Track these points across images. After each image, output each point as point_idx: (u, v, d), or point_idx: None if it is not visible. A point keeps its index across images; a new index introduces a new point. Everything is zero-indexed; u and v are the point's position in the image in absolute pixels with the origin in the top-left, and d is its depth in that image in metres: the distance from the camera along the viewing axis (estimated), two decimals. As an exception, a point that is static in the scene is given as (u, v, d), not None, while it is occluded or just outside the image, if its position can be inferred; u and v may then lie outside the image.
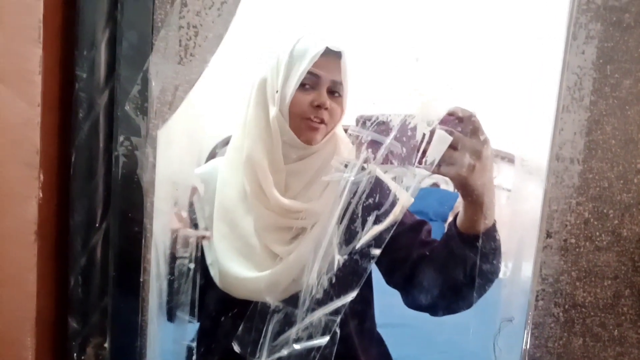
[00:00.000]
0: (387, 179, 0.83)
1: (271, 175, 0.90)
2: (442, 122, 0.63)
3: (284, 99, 0.89)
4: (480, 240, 0.75)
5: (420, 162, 0.60)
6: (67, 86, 0.60)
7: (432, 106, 0.59)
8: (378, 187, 0.73)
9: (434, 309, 0.92)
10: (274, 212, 0.89)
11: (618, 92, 0.52)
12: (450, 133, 0.62)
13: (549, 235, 0.53)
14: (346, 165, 0.66)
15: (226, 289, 0.88)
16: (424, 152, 0.60)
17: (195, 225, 0.84)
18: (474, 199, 0.71)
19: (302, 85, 0.88)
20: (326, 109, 0.88)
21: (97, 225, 0.60)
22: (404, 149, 0.60)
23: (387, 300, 1.06)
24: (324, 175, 0.90)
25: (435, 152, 0.60)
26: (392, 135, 0.60)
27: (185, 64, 0.56)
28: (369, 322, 1.06)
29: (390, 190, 0.71)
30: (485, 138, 0.66)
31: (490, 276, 0.78)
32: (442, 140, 0.59)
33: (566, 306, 0.54)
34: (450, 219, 0.81)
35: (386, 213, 0.69)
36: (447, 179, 0.69)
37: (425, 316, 0.96)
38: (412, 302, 0.95)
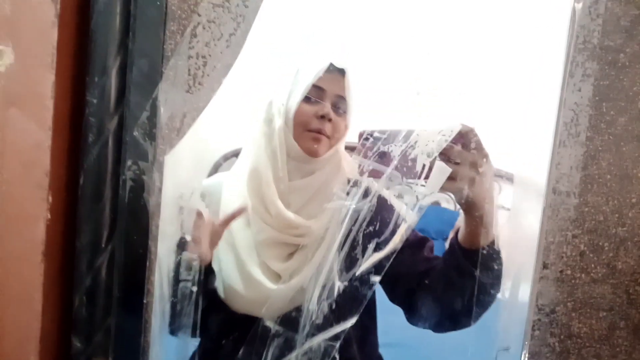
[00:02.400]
0: (393, 199, 0.85)
1: (275, 188, 0.92)
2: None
3: (289, 111, 0.91)
4: (482, 255, 0.76)
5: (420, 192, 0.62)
6: (78, 111, 0.62)
7: (431, 137, 0.61)
8: (379, 215, 0.74)
9: (436, 326, 0.93)
10: (273, 227, 0.91)
11: (613, 129, 0.53)
12: (450, 148, 0.64)
13: (545, 266, 0.54)
14: (348, 193, 0.67)
15: (228, 302, 0.90)
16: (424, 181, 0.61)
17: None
18: (476, 213, 0.72)
19: (307, 99, 0.90)
20: (330, 120, 0.90)
21: (102, 246, 0.61)
22: (404, 179, 0.62)
23: (387, 319, 1.06)
24: (325, 194, 0.92)
25: (435, 183, 0.61)
26: (392, 165, 0.61)
27: (194, 93, 0.58)
28: (371, 346, 1.06)
29: (391, 219, 0.72)
30: (485, 152, 0.68)
31: (492, 291, 0.78)
32: (441, 172, 0.61)
33: (562, 336, 0.55)
34: (451, 235, 0.82)
35: (386, 241, 0.70)
36: (447, 197, 0.71)
37: (424, 337, 0.96)
38: (414, 319, 0.96)
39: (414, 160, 0.61)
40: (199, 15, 0.58)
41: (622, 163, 0.53)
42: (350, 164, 0.97)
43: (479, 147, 0.67)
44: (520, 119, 0.58)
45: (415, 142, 0.61)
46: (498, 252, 0.76)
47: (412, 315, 0.96)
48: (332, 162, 0.96)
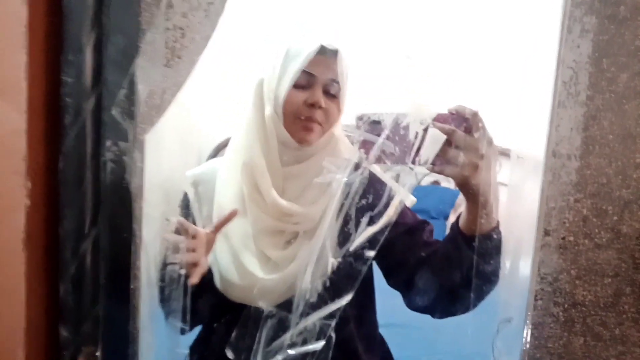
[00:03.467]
0: (389, 180, 0.82)
1: (269, 176, 0.89)
2: (444, 120, 0.61)
3: (278, 98, 0.88)
4: (483, 242, 0.74)
5: (413, 162, 0.59)
6: (54, 92, 0.59)
7: (424, 105, 0.58)
8: (372, 188, 0.72)
9: (434, 311, 0.91)
10: (270, 215, 0.88)
11: (615, 87, 0.50)
12: (453, 132, 0.61)
13: (547, 233, 0.52)
14: (338, 166, 0.65)
15: (224, 291, 0.87)
16: (418, 150, 0.59)
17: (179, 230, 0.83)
18: (477, 199, 0.69)
19: (298, 85, 0.87)
20: (320, 107, 0.87)
21: (86, 232, 0.59)
22: (397, 149, 0.59)
23: (390, 301, 1.05)
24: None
25: (429, 151, 0.58)
26: (384, 134, 0.59)
27: (173, 67, 0.55)
28: (371, 325, 1.05)
29: (384, 191, 0.70)
30: (488, 137, 0.65)
31: (492, 278, 0.76)
32: (435, 139, 0.58)
33: (566, 305, 0.53)
34: (452, 218, 0.80)
35: (380, 214, 0.68)
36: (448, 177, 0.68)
37: (427, 317, 0.95)
38: (413, 304, 0.94)
39: (406, 128, 0.59)
40: (175, -16, 0.55)
41: (625, 122, 0.51)
42: (348, 148, 0.95)
43: (483, 131, 0.64)
44: (516, 84, 0.55)
45: (408, 111, 0.58)
46: (500, 239, 0.74)
47: (411, 300, 0.94)
48: (328, 147, 0.93)
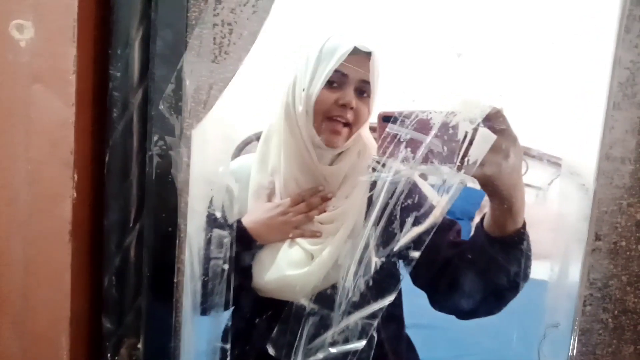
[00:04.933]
0: (421, 182, 0.82)
1: (301, 176, 0.90)
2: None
3: (310, 97, 0.88)
4: (508, 243, 0.73)
5: (462, 162, 0.58)
6: (102, 85, 0.60)
7: (475, 104, 0.57)
8: (417, 188, 0.71)
9: (460, 312, 0.90)
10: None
11: (673, 88, 0.49)
12: (475, 131, 0.60)
13: (598, 238, 0.51)
14: (384, 165, 0.64)
15: (257, 288, 0.88)
16: (466, 151, 0.58)
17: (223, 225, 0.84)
18: (502, 201, 0.68)
19: (330, 84, 0.87)
20: (352, 108, 0.87)
21: (131, 225, 0.59)
22: (445, 148, 0.58)
23: (416, 301, 1.04)
24: (355, 176, 0.89)
25: (478, 151, 0.57)
26: (432, 133, 0.58)
27: (220, 62, 0.55)
28: (399, 324, 1.05)
29: (426, 193, 0.69)
30: (514, 136, 0.63)
31: (518, 280, 0.75)
32: (486, 139, 0.57)
33: (616, 312, 0.51)
34: (477, 219, 0.79)
35: (426, 214, 0.67)
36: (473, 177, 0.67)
37: (454, 318, 0.94)
38: (438, 304, 0.94)
39: (455, 127, 0.58)
40: (224, -20, 0.55)
41: (683, 125, 0.49)
42: (373, 146, 0.94)
43: (508, 130, 0.63)
44: (569, 86, 0.54)
45: (457, 110, 0.57)
46: (526, 240, 0.72)
47: (436, 301, 0.93)
48: (355, 146, 0.93)
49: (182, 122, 0.56)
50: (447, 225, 0.93)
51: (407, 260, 0.68)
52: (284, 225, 0.89)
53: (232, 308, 0.92)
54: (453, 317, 0.93)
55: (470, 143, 0.58)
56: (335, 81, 0.87)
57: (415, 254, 0.68)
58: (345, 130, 0.89)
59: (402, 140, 0.60)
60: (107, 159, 0.59)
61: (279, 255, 0.89)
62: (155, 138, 0.57)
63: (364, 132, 0.94)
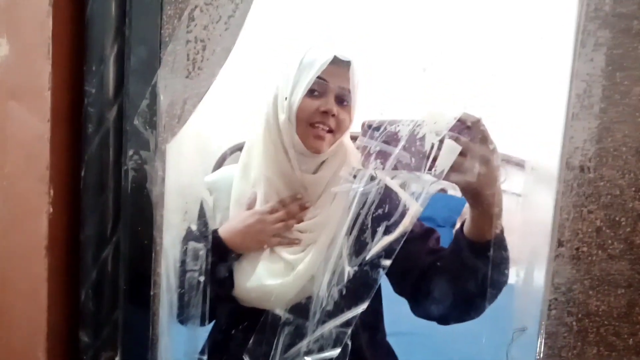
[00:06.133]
0: (397, 187, 0.83)
1: (282, 185, 0.91)
2: (451, 128, 0.62)
3: (292, 105, 0.89)
4: (486, 248, 0.74)
5: (429, 171, 0.60)
6: (77, 101, 0.61)
7: (440, 115, 0.59)
8: (387, 198, 0.73)
9: (441, 318, 0.92)
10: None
11: (628, 99, 0.51)
12: (457, 139, 0.62)
13: (560, 244, 0.53)
14: (355, 176, 0.66)
15: (237, 296, 0.89)
16: (434, 161, 0.60)
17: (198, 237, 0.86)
18: (482, 207, 0.70)
19: (311, 92, 0.89)
20: (333, 115, 0.89)
21: (107, 238, 0.60)
22: (413, 159, 0.60)
23: (396, 309, 1.05)
24: (335, 184, 0.91)
25: (445, 161, 0.59)
26: (400, 145, 0.60)
27: (194, 78, 0.57)
28: (379, 333, 1.06)
29: (399, 201, 0.71)
30: (493, 145, 0.66)
31: (498, 285, 0.77)
32: (451, 150, 0.59)
33: (579, 315, 0.53)
34: (457, 225, 0.81)
35: (396, 223, 0.69)
36: (454, 184, 0.69)
37: (435, 324, 0.95)
38: (419, 311, 0.95)
39: (422, 139, 0.60)
40: (196, -2, 0.56)
41: (638, 134, 0.51)
42: (356, 156, 0.96)
43: (486, 139, 0.65)
44: (530, 97, 0.56)
45: (423, 121, 0.59)
46: (505, 245, 0.74)
47: (417, 307, 0.95)
48: (338, 153, 0.95)
49: (157, 137, 0.57)
50: (426, 234, 0.95)
51: (379, 268, 0.69)
52: (260, 234, 0.89)
53: (213, 322, 0.93)
54: (434, 323, 0.95)
55: (437, 153, 0.60)
56: (317, 89, 0.89)
57: (387, 262, 0.69)
58: (328, 136, 0.90)
59: (372, 152, 0.62)
60: (82, 173, 0.60)
61: (260, 264, 0.90)
62: (130, 152, 0.58)
63: (347, 141, 0.96)
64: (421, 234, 0.94)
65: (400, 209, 0.71)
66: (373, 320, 1.02)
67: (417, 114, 0.60)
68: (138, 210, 0.58)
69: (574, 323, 0.53)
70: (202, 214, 0.89)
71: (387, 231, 0.69)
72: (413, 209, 0.68)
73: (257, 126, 0.96)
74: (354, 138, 0.92)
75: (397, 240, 0.69)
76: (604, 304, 0.53)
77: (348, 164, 0.95)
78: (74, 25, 0.60)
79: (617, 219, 0.52)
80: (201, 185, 0.61)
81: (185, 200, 0.59)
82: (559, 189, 0.52)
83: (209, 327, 0.91)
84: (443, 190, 3.29)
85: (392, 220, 0.71)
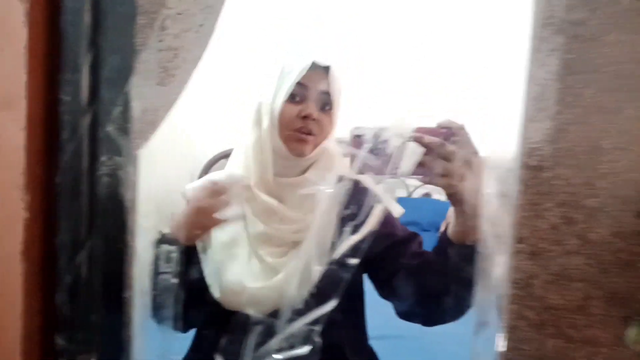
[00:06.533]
0: (381, 192, 0.86)
1: (264, 187, 0.93)
2: (430, 133, 0.65)
3: (274, 111, 0.92)
4: (471, 250, 0.77)
5: (393, 174, 0.62)
6: (52, 109, 0.62)
7: (403, 120, 0.61)
8: (354, 199, 0.75)
9: (425, 319, 0.94)
10: (266, 222, 0.92)
11: (581, 102, 0.54)
12: (441, 145, 0.64)
13: (519, 240, 0.55)
14: (323, 178, 0.68)
15: (223, 300, 0.90)
16: (397, 164, 0.62)
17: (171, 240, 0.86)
18: (465, 210, 0.73)
19: (292, 98, 0.91)
20: (314, 119, 0.91)
21: (82, 243, 0.61)
22: (378, 162, 0.62)
23: (382, 312, 1.07)
24: (323, 190, 0.93)
25: (408, 163, 0.62)
26: (365, 148, 0.62)
27: (166, 85, 0.58)
28: (360, 333, 1.07)
29: (365, 202, 0.73)
30: (475, 149, 0.69)
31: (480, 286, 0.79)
32: (413, 152, 0.61)
33: (538, 309, 0.55)
34: (442, 229, 0.83)
35: (362, 223, 0.71)
36: (439, 189, 0.72)
37: (422, 327, 0.97)
38: (404, 313, 0.97)
39: (386, 142, 0.62)
40: (168, 7, 0.58)
41: (591, 135, 0.54)
42: (341, 159, 0.98)
43: (469, 144, 0.68)
44: (488, 100, 0.59)
45: (388, 126, 0.62)
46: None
47: (402, 310, 0.97)
48: (321, 159, 0.97)
49: (130, 143, 0.59)
50: (409, 238, 0.97)
51: (347, 267, 0.71)
52: (199, 213, 0.86)
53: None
54: (419, 325, 0.97)
55: (400, 156, 0.62)
56: (297, 94, 0.91)
57: (354, 261, 0.71)
58: (311, 139, 0.93)
59: (345, 155, 0.64)
60: (58, 180, 0.61)
61: (242, 266, 0.91)
62: (103, 158, 0.59)
63: (332, 145, 0.98)
64: (404, 238, 0.97)
65: (366, 209, 0.73)
66: (355, 323, 1.03)
67: (383, 119, 0.63)
68: (112, 215, 0.59)
69: (534, 317, 0.55)
70: None
71: (354, 231, 0.72)
72: (378, 209, 0.70)
73: (245, 132, 0.98)
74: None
75: (363, 240, 0.71)
76: (561, 297, 0.55)
77: (334, 169, 0.97)
78: (48, 35, 0.62)
79: (572, 216, 0.54)
80: (174, 190, 0.63)
81: (157, 205, 0.61)
82: (516, 188, 0.55)
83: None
84: (427, 195, 3.33)
85: (359, 220, 0.73)
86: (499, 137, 0.57)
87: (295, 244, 0.92)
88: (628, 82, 0.53)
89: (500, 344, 0.56)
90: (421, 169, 0.62)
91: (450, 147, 0.66)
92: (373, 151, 0.61)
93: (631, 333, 0.54)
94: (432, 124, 0.63)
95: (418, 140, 0.65)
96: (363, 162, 0.62)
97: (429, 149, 0.65)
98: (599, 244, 0.54)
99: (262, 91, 0.95)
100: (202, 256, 0.93)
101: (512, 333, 0.55)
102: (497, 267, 0.58)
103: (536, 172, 0.54)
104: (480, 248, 0.75)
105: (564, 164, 0.54)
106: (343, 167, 0.97)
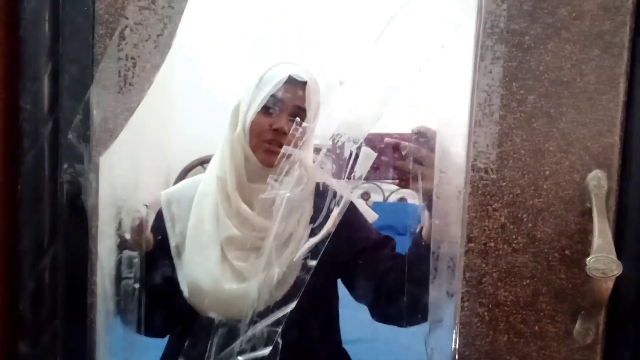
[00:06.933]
0: (354, 198, 0.87)
1: (238, 192, 0.94)
2: (410, 140, 0.67)
3: (246, 121, 0.94)
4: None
5: (349, 177, 0.65)
6: (13, 118, 0.62)
7: (357, 126, 0.64)
8: (316, 202, 0.77)
9: (401, 320, 0.95)
10: (237, 226, 0.93)
11: (524, 107, 0.56)
12: (418, 150, 0.67)
13: (470, 240, 0.57)
14: (276, 180, 0.70)
15: (193, 303, 0.91)
16: (352, 167, 0.64)
17: (161, 244, 0.87)
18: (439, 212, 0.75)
19: (266, 109, 0.93)
20: (284, 133, 0.92)
21: (44, 250, 0.62)
22: (334, 166, 0.64)
23: (358, 315, 1.08)
24: (295, 201, 0.94)
25: (362, 167, 0.64)
26: (322, 152, 0.64)
27: (125, 93, 0.59)
28: (333, 335, 1.09)
29: (323, 205, 0.75)
30: (447, 153, 0.71)
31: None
32: (367, 157, 0.64)
33: (490, 306, 0.58)
34: (417, 230, 0.86)
35: (320, 226, 0.73)
36: (414, 193, 0.74)
37: (396, 330, 0.98)
38: (379, 315, 0.99)
39: (342, 147, 0.64)
40: (126, 18, 0.59)
41: (534, 138, 0.56)
42: (313, 170, 1.00)
43: (442, 149, 0.70)
44: (438, 107, 0.61)
45: (343, 131, 0.64)
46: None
47: (377, 312, 0.98)
48: (294, 169, 0.98)
49: (91, 150, 0.59)
50: (383, 242, 0.99)
51: (306, 269, 0.73)
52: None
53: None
54: (395, 328, 0.98)
55: (355, 160, 0.65)
56: (271, 107, 0.93)
57: (313, 263, 0.73)
58: (280, 151, 0.94)
59: (297, 159, 0.66)
60: (19, 187, 0.62)
61: (211, 269, 0.92)
62: (65, 166, 0.60)
63: (305, 158, 1.00)
64: (378, 243, 0.99)
65: (324, 211, 0.75)
66: (328, 327, 1.05)
67: (336, 125, 0.65)
68: (73, 222, 0.60)
69: (486, 313, 0.58)
70: (161, 226, 0.92)
71: (312, 233, 0.73)
72: (336, 212, 0.72)
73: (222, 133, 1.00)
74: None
75: (322, 242, 0.73)
76: (511, 294, 0.58)
77: (308, 181, 0.98)
78: (8, 45, 0.62)
79: (519, 215, 0.57)
80: (135, 196, 0.64)
81: (118, 211, 0.62)
82: (466, 190, 0.57)
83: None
84: (403, 200, 3.36)
85: (317, 222, 0.75)
86: (450, 142, 0.60)
87: (259, 249, 0.93)
88: (568, 88, 0.56)
89: (454, 340, 0.58)
90: (376, 172, 0.64)
91: (425, 153, 0.69)
92: (329, 156, 0.64)
93: (578, 326, 0.57)
94: (382, 129, 0.66)
95: (393, 146, 0.67)
96: (320, 166, 0.64)
97: (405, 154, 0.68)
98: (545, 242, 0.57)
99: (240, 99, 0.97)
100: (176, 262, 0.95)
101: (466, 330, 0.58)
102: (450, 266, 0.60)
103: (483, 174, 0.57)
104: (434, 248, 0.78)
105: (510, 166, 0.57)
106: (320, 177, 0.99)
